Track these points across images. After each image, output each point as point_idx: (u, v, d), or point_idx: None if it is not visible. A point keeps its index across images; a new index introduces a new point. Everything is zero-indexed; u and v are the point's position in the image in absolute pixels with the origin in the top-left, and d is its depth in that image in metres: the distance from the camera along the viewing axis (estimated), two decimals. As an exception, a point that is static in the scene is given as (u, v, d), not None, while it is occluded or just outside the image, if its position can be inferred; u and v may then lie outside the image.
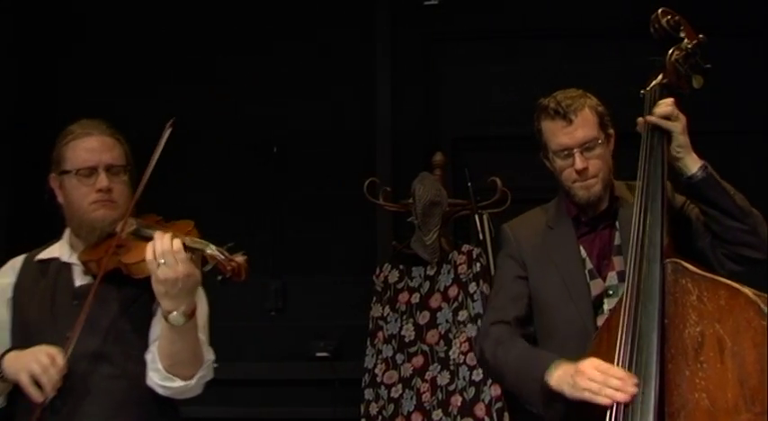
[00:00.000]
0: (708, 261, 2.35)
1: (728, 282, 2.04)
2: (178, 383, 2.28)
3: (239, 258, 2.21)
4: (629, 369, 2.08)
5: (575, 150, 2.42)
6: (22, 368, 2.23)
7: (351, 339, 4.40)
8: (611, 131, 2.50)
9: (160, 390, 2.30)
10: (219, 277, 2.20)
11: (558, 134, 2.43)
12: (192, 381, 2.30)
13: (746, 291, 1.99)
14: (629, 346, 2.11)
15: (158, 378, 2.28)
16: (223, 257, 2.20)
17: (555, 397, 2.20)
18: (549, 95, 2.49)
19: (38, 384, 2.21)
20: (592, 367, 2.11)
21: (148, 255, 2.17)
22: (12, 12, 4.54)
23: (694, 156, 2.35)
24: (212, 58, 4.68)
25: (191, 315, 2.23)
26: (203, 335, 2.37)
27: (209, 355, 2.36)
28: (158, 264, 2.16)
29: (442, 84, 4.74)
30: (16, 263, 2.49)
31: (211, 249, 2.22)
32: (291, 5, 4.73)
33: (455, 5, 4.65)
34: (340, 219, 4.63)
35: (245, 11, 4.73)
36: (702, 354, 2.00)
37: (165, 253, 2.16)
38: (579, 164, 2.41)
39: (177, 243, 2.18)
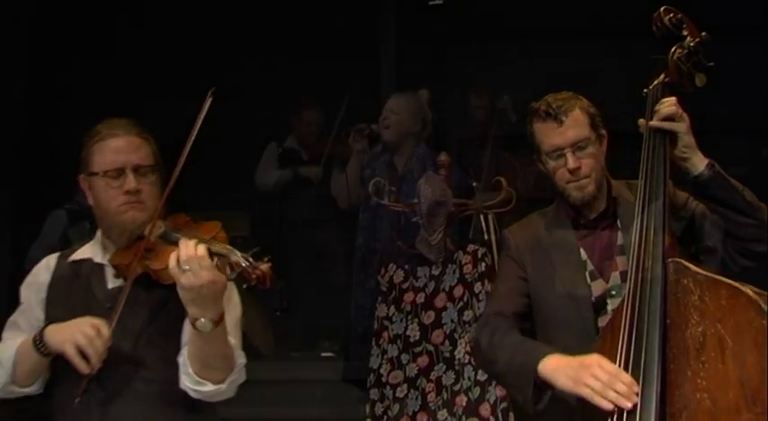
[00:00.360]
0: (719, 258, 2.34)
1: (730, 281, 2.02)
2: (209, 387, 2.25)
3: (264, 266, 2.11)
4: (631, 369, 2.07)
5: (566, 150, 2.41)
6: (67, 339, 2.19)
7: (356, 339, 4.40)
8: (604, 132, 2.49)
9: (192, 394, 2.27)
10: (245, 285, 2.14)
11: (550, 135, 2.43)
12: (224, 385, 2.27)
13: (747, 290, 1.97)
14: (631, 346, 2.09)
15: (190, 382, 2.26)
16: (248, 264, 2.11)
17: (542, 386, 2.19)
18: (540, 99, 2.49)
19: (83, 356, 2.18)
20: (598, 365, 2.09)
21: (171, 262, 2.12)
22: (15, 15, 4.56)
23: (700, 155, 2.33)
24: (214, 58, 4.68)
25: (218, 321, 2.18)
26: (234, 339, 2.33)
27: (240, 359, 2.32)
28: (182, 271, 2.11)
29: (447, 83, 4.74)
30: (50, 262, 2.45)
31: (236, 256, 2.13)
32: (294, 6, 4.73)
33: (459, 6, 4.65)
34: (345, 218, 4.63)
35: (247, 11, 4.73)
36: (704, 354, 1.99)
37: (188, 260, 2.10)
38: (571, 163, 2.41)
39: (201, 249, 2.12)
